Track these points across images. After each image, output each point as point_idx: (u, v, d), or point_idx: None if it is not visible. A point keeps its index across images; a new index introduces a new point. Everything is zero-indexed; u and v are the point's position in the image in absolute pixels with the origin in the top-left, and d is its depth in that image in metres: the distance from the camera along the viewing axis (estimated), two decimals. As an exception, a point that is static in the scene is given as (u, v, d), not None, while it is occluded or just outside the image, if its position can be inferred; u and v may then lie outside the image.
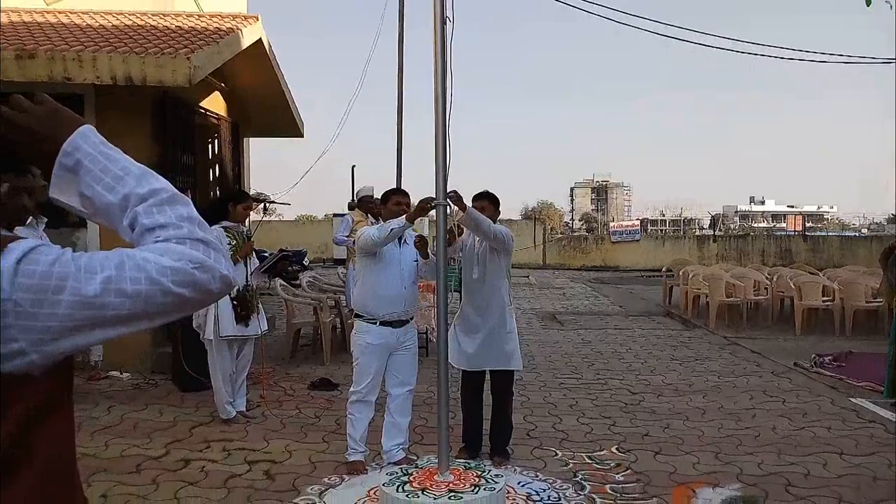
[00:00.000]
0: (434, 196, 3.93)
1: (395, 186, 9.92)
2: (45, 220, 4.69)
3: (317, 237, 24.57)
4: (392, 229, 4.31)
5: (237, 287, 5.39)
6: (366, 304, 4.48)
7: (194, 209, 1.06)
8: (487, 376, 4.80)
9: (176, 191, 1.06)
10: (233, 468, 4.46)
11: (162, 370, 6.77)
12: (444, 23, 3.79)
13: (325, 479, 4.32)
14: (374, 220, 8.07)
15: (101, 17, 8.58)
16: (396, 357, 4.51)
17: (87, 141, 1.03)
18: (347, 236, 8.13)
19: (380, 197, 5.07)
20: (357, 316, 4.56)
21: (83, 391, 6.10)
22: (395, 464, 4.38)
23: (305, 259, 16.94)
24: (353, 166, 22.66)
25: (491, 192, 4.81)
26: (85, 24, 8.11)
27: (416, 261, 4.54)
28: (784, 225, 58.38)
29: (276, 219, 28.35)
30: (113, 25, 8.07)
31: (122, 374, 6.73)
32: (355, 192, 8.91)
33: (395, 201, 4.61)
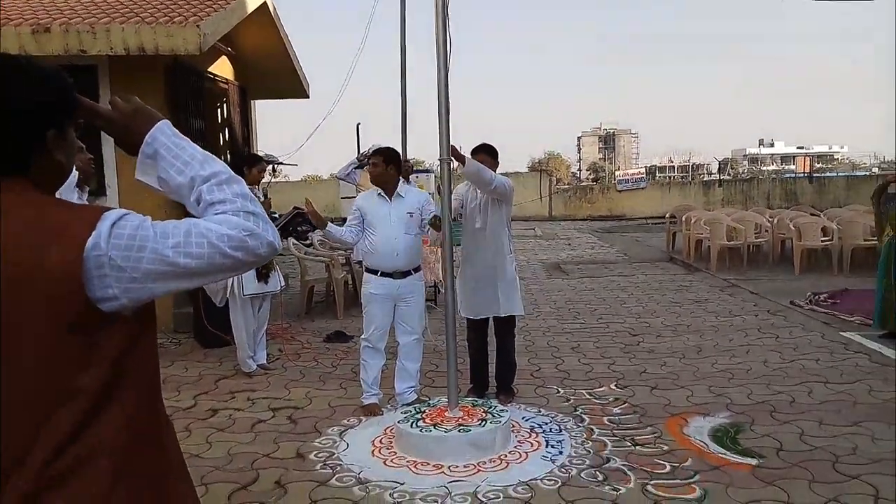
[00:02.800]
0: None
1: (401, 144, 10.14)
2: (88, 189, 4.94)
3: (324, 197, 24.80)
4: (335, 238, 4.89)
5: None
6: (367, 257, 4.87)
7: (246, 187, 1.32)
8: (491, 322, 5.12)
9: (231, 172, 1.32)
10: (258, 415, 4.82)
11: (184, 329, 7.14)
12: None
13: (344, 421, 4.68)
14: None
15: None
16: (401, 307, 4.84)
17: (163, 133, 1.30)
18: (347, 175, 8.34)
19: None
20: (364, 267, 4.94)
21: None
22: (408, 405, 4.73)
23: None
24: (358, 124, 22.69)
25: (489, 144, 5.05)
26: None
27: (412, 213, 4.79)
28: (794, 167, 58.02)
29: (283, 180, 28.58)
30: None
31: (147, 333, 7.09)
32: (361, 152, 9.13)
33: (371, 162, 4.86)
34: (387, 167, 4.78)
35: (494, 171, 4.91)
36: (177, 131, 1.33)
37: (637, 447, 4.12)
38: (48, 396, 1.15)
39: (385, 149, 4.93)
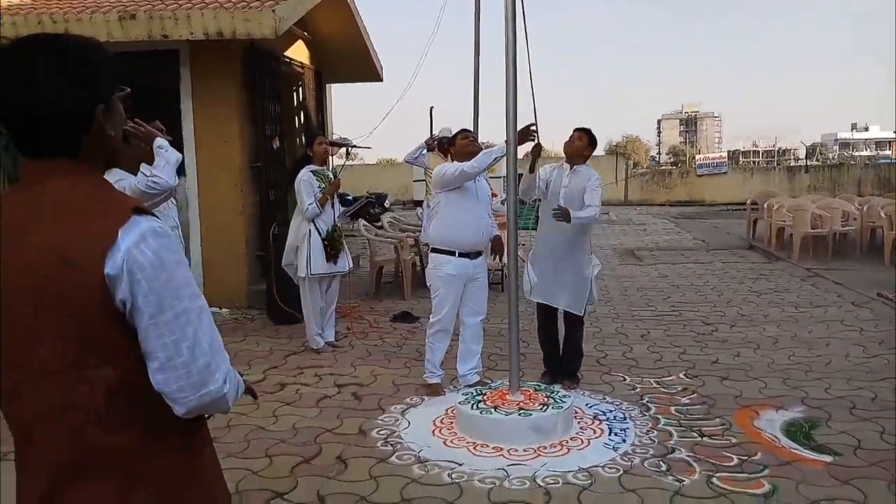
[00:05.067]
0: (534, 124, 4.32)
1: (473, 126, 10.09)
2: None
3: (397, 179, 25.00)
4: (495, 158, 4.54)
5: (327, 227, 5.80)
6: (445, 237, 4.77)
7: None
8: (561, 310, 5.02)
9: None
10: (324, 390, 4.93)
11: (257, 306, 7.35)
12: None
13: (407, 400, 4.73)
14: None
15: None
16: (470, 287, 4.82)
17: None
18: (415, 158, 8.42)
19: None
20: (434, 250, 4.87)
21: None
22: (470, 386, 4.74)
23: (386, 201, 17.40)
24: (432, 107, 22.62)
25: (588, 128, 4.92)
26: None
27: (491, 195, 4.80)
28: (889, 153, 54.70)
29: (358, 163, 28.94)
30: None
31: (221, 309, 7.34)
32: (430, 136, 9.13)
33: (463, 136, 4.86)
34: (589, 144, 4.87)
35: (588, 156, 4.88)
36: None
37: (704, 438, 4.00)
38: (66, 382, 1.23)
39: (465, 129, 5.01)
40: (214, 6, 7.00)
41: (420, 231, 9.21)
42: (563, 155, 4.97)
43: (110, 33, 6.79)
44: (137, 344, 1.22)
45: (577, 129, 4.88)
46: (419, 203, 17.10)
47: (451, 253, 4.74)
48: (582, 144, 4.80)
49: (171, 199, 3.96)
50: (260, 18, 6.85)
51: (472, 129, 5.00)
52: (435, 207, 4.89)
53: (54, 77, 1.21)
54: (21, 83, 1.20)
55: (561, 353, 5.07)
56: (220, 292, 7.25)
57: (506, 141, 4.22)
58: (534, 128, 4.48)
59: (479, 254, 4.82)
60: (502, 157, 4.43)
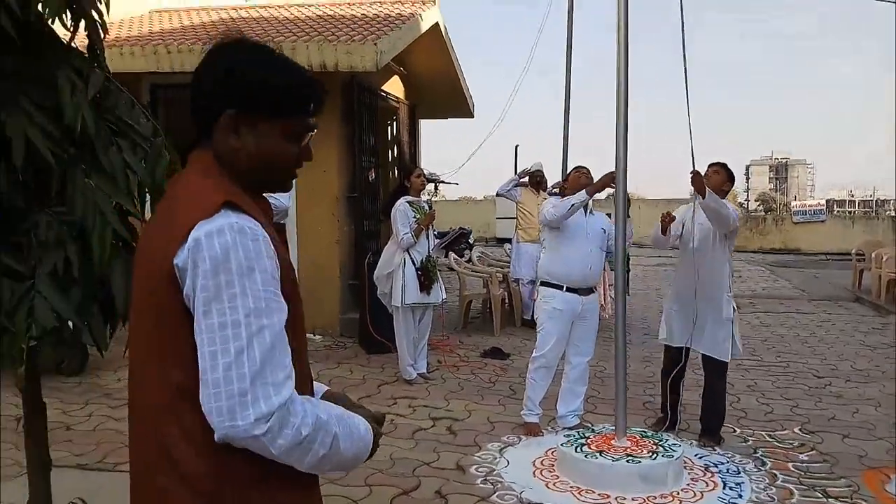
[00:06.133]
0: (614, 171, 4.08)
1: (561, 164, 10.03)
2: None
3: (478, 217, 25.03)
4: (572, 204, 4.49)
5: (421, 257, 5.79)
6: (552, 270, 4.66)
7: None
8: (699, 359, 4.66)
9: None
10: (419, 422, 4.84)
11: (349, 334, 7.38)
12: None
13: (504, 438, 4.58)
14: (545, 196, 8.27)
15: (296, 9, 9.35)
16: (578, 326, 4.66)
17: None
18: (508, 192, 8.45)
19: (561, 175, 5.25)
20: (543, 283, 4.75)
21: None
22: (569, 429, 4.55)
23: (471, 237, 17.40)
24: (517, 146, 22.78)
25: (724, 162, 4.68)
26: (282, 16, 8.90)
27: (605, 230, 4.65)
28: None
29: (440, 198, 29.21)
30: (306, 16, 8.78)
31: (314, 335, 7.40)
32: (524, 169, 9.06)
33: (576, 170, 4.79)
34: (727, 178, 4.61)
35: (727, 191, 4.59)
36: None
37: (830, 500, 3.69)
38: (145, 376, 1.20)
39: (580, 166, 4.88)
40: (319, 39, 7.20)
41: (508, 267, 9.13)
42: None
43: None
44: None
45: (712, 165, 4.63)
46: (502, 241, 17.10)
47: (559, 287, 4.62)
48: (720, 179, 4.54)
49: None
50: (362, 52, 7.00)
51: (584, 166, 4.87)
52: (545, 241, 4.79)
53: (211, 67, 1.26)
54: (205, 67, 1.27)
55: (701, 407, 4.66)
56: (315, 319, 7.31)
57: (613, 179, 4.12)
58: (614, 174, 4.33)
59: (589, 291, 4.66)
60: (580, 204, 4.48)
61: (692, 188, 4.26)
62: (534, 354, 4.77)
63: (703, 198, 4.22)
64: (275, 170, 1.30)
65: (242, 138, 1.23)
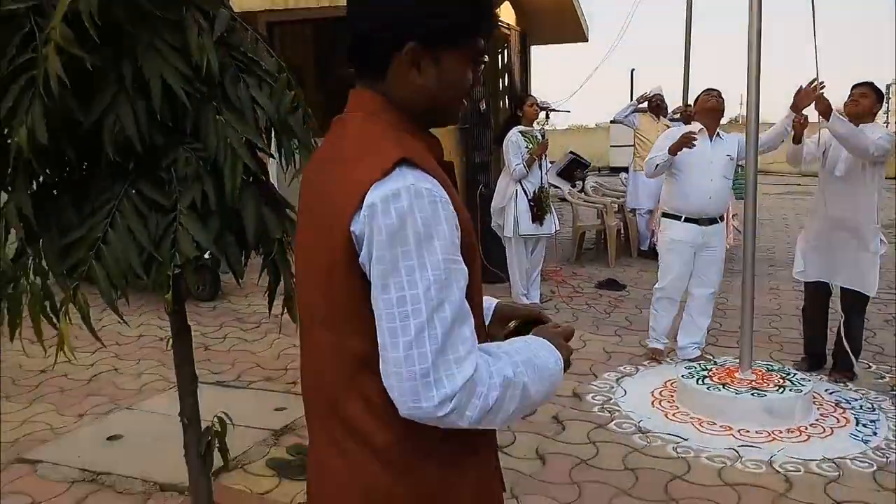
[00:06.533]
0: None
1: (682, 88, 9.53)
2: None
3: (590, 145, 24.34)
4: (657, 165, 4.42)
5: (534, 188, 5.73)
6: (671, 200, 4.55)
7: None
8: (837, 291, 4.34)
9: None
10: (534, 351, 4.87)
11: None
12: None
13: (621, 368, 4.55)
14: (666, 123, 7.92)
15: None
16: (701, 257, 4.52)
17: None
18: (626, 118, 8.16)
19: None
20: (663, 213, 4.64)
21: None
22: (690, 360, 4.46)
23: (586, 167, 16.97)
24: (633, 70, 21.82)
25: (872, 82, 4.24)
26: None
27: (731, 156, 4.44)
28: None
29: (551, 128, 28.60)
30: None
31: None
32: (642, 94, 8.67)
33: (706, 93, 4.56)
34: (877, 100, 4.21)
35: (875, 114, 4.20)
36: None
37: (976, 440, 3.44)
38: (318, 342, 1.16)
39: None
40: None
41: (624, 196, 8.87)
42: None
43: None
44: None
45: (857, 86, 4.20)
46: (617, 170, 16.54)
47: (678, 217, 4.47)
48: (869, 102, 4.13)
49: None
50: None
51: (715, 88, 4.59)
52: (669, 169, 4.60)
53: None
54: None
55: (835, 341, 4.38)
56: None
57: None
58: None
59: (712, 221, 4.46)
60: (665, 164, 4.40)
61: (816, 111, 3.93)
62: (655, 286, 4.70)
63: (828, 120, 3.89)
64: (453, 105, 1.19)
65: (424, 73, 1.12)
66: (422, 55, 1.10)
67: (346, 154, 1.11)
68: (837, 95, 4.36)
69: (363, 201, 1.02)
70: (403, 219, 1.01)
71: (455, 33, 1.12)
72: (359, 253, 1.04)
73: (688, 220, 4.45)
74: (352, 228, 1.03)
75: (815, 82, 3.94)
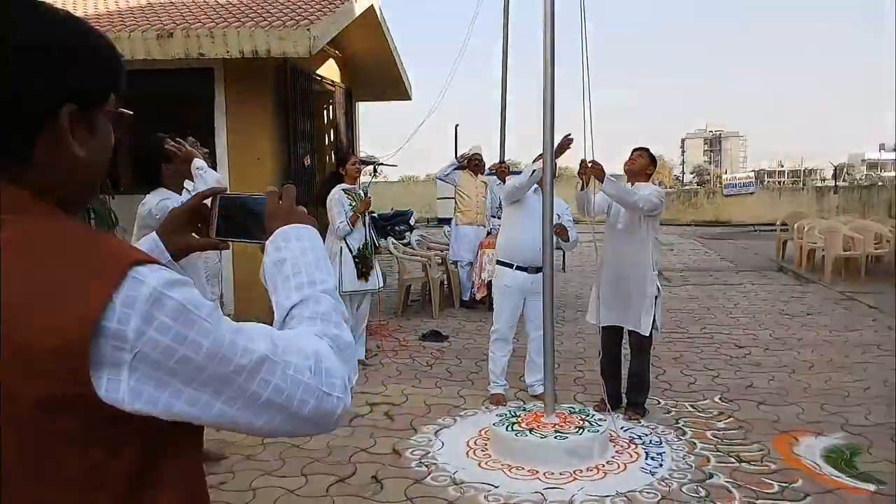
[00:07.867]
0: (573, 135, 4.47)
1: (500, 146, 10.12)
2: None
3: (421, 197, 25.10)
4: (533, 171, 4.69)
5: (358, 244, 5.85)
6: (504, 249, 5.00)
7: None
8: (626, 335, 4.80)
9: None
10: (356, 409, 4.91)
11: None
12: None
13: (440, 420, 4.71)
14: (484, 179, 8.47)
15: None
16: (531, 303, 4.93)
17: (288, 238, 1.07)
18: (447, 175, 8.78)
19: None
20: (498, 262, 5.08)
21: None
22: (536, 397, 4.92)
23: (412, 219, 17.43)
24: (457, 125, 22.81)
25: (646, 147, 4.87)
26: (213, 0, 8.69)
27: (559, 214, 4.79)
28: (919, 173, 53.81)
29: (383, 180, 29.11)
30: (238, 0, 8.60)
31: (253, 325, 7.38)
32: (460, 154, 9.18)
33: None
34: (650, 162, 4.84)
35: (650, 174, 4.83)
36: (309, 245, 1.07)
37: (743, 464, 3.94)
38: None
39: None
40: (250, 25, 7.11)
41: (447, 249, 9.25)
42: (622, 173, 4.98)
43: (148, 51, 6.93)
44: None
45: (636, 149, 4.85)
46: (444, 221, 17.17)
47: (510, 265, 4.91)
48: (644, 162, 4.77)
49: None
50: (295, 37, 6.94)
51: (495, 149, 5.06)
52: (502, 220, 5.10)
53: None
54: None
55: (626, 382, 4.82)
56: (251, 311, 7.28)
57: (541, 155, 4.28)
58: (571, 137, 4.64)
59: (538, 269, 4.78)
60: (541, 171, 4.46)
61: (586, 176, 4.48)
62: (491, 328, 5.14)
63: (601, 183, 4.45)
64: (99, 177, 0.92)
65: (80, 141, 0.84)
66: (80, 119, 0.84)
67: (20, 275, 0.74)
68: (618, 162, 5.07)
69: (101, 329, 0.73)
70: (180, 331, 0.78)
71: (107, 87, 0.88)
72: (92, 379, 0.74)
73: (518, 268, 4.89)
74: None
75: (568, 135, 4.59)
